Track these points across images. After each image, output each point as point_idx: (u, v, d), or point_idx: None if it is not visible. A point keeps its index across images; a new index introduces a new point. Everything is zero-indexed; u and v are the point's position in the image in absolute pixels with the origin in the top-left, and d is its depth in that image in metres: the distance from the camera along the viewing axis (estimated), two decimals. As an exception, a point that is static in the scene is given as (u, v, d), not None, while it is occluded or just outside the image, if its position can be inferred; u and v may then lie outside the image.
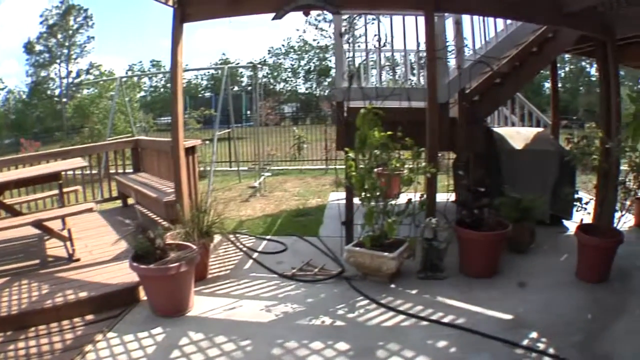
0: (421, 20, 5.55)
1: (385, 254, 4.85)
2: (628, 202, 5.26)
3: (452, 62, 6.44)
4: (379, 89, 6.00)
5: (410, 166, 5.21)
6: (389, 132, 4.95)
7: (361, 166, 5.14)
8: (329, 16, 6.18)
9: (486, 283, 4.99)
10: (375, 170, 5.21)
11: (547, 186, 6.77)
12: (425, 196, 5.29)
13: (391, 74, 7.91)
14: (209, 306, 4.51)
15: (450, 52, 6.23)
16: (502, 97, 7.18)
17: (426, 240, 5.16)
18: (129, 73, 45.73)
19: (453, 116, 6.23)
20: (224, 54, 52.04)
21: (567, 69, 43.73)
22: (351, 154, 5.14)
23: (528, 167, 6.84)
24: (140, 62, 53.77)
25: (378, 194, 5.06)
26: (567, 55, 32.90)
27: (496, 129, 7.51)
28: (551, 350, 3.69)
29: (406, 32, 6.38)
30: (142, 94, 42.88)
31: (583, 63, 40.18)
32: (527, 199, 5.86)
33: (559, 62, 39.74)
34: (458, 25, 6.18)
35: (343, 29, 6.29)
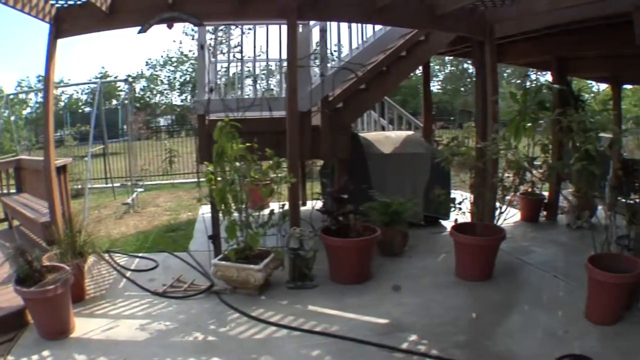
0: (285, 29, 5.54)
1: (251, 266, 4.83)
2: (508, 198, 5.44)
3: (317, 70, 6.51)
4: (240, 100, 5.98)
5: (272, 176, 5.21)
6: (247, 144, 4.92)
7: (225, 179, 5.07)
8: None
9: (358, 289, 5.08)
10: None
11: (419, 188, 7.00)
12: (287, 206, 5.31)
13: (253, 84, 7.91)
14: (89, 327, 4.37)
15: (314, 59, 6.29)
16: (368, 103, 7.34)
17: (292, 250, 5.19)
18: (18, 89, 42.83)
19: (316, 124, 6.30)
20: (103, 67, 50.05)
21: (448, 70, 45.42)
22: (211, 168, 5.06)
23: (398, 170, 7.03)
24: (27, 77, 50.65)
25: (242, 206, 5.03)
26: (448, 57, 34.40)
27: (363, 134, 7.69)
28: (434, 352, 3.75)
29: (269, 42, 6.43)
30: (29, 110, 40.39)
31: (465, 65, 42.01)
32: (397, 202, 5.97)
33: (439, 64, 41.62)
34: (323, 33, 6.25)
35: (209, 41, 6.20)
